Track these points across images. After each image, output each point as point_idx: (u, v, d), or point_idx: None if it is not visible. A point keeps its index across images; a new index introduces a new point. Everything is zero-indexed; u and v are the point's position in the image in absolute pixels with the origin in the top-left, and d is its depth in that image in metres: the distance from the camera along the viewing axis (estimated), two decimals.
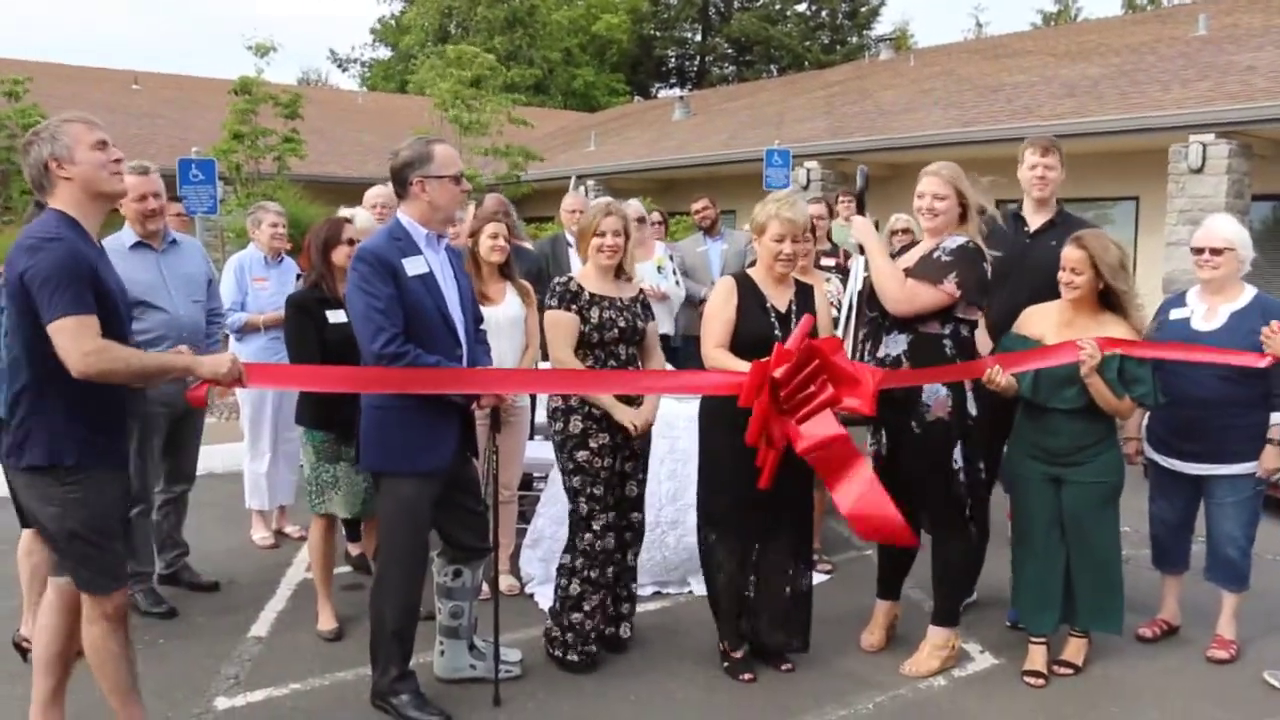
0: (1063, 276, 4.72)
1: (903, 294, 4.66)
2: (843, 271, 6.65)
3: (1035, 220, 5.32)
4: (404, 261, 4.17)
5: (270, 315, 6.40)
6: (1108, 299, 4.73)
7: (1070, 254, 4.69)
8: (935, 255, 4.70)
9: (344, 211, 6.27)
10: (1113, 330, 4.66)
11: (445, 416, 4.28)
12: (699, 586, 5.62)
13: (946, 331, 4.71)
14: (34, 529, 3.90)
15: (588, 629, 4.89)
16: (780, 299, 4.81)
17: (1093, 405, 4.65)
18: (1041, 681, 4.82)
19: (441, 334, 4.25)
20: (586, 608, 4.88)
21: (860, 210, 5.07)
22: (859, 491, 4.38)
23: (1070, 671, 4.91)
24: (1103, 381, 4.57)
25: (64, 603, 3.77)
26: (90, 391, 3.48)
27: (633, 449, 4.96)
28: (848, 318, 5.09)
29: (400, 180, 4.28)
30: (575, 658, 4.88)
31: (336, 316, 5.03)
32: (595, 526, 4.85)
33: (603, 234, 4.85)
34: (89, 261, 3.47)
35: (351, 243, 5.10)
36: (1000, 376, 4.59)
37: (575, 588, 4.88)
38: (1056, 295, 4.93)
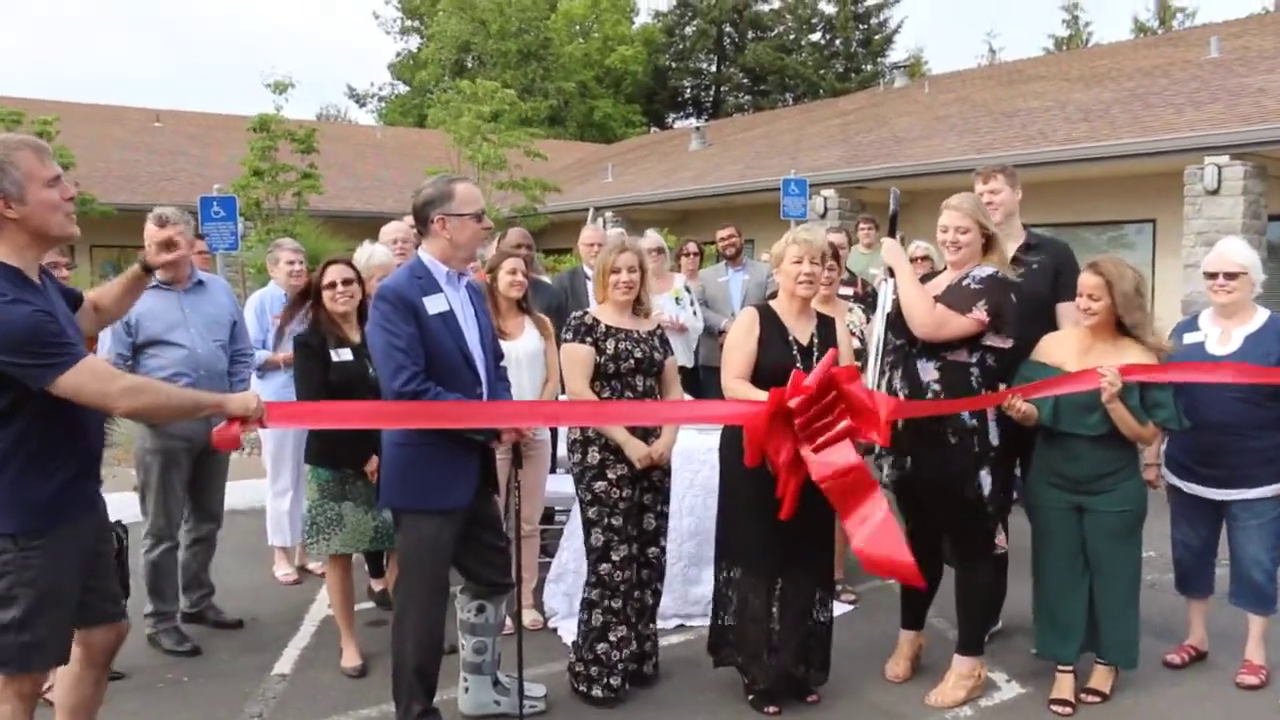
0: (1080, 303, 4.72)
1: (931, 319, 4.66)
2: (862, 300, 6.65)
3: (1008, 246, 5.34)
4: (425, 300, 4.19)
5: (291, 354, 6.41)
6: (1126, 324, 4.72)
7: (1087, 280, 4.69)
8: (965, 283, 4.71)
9: (364, 248, 6.31)
10: (1132, 355, 4.64)
11: (465, 454, 4.29)
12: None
13: (974, 360, 4.71)
14: None
15: (614, 660, 4.87)
16: (802, 331, 4.81)
17: (1115, 432, 4.63)
18: (1069, 710, 4.78)
19: (462, 372, 4.26)
20: (612, 639, 4.87)
21: (892, 233, 5.06)
22: (872, 528, 4.34)
23: (1098, 700, 4.87)
24: (1125, 408, 4.56)
25: (87, 653, 3.65)
26: (54, 450, 3.28)
27: (652, 481, 4.97)
28: (880, 343, 5.07)
29: (421, 218, 4.32)
30: (600, 692, 4.86)
31: (341, 355, 5.08)
32: (615, 557, 4.85)
33: (618, 271, 4.89)
34: (51, 312, 3.19)
35: (333, 286, 5.15)
36: (1020, 402, 4.58)
37: (599, 619, 4.87)
38: (1043, 319, 5.00)
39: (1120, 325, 4.71)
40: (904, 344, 4.84)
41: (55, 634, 3.37)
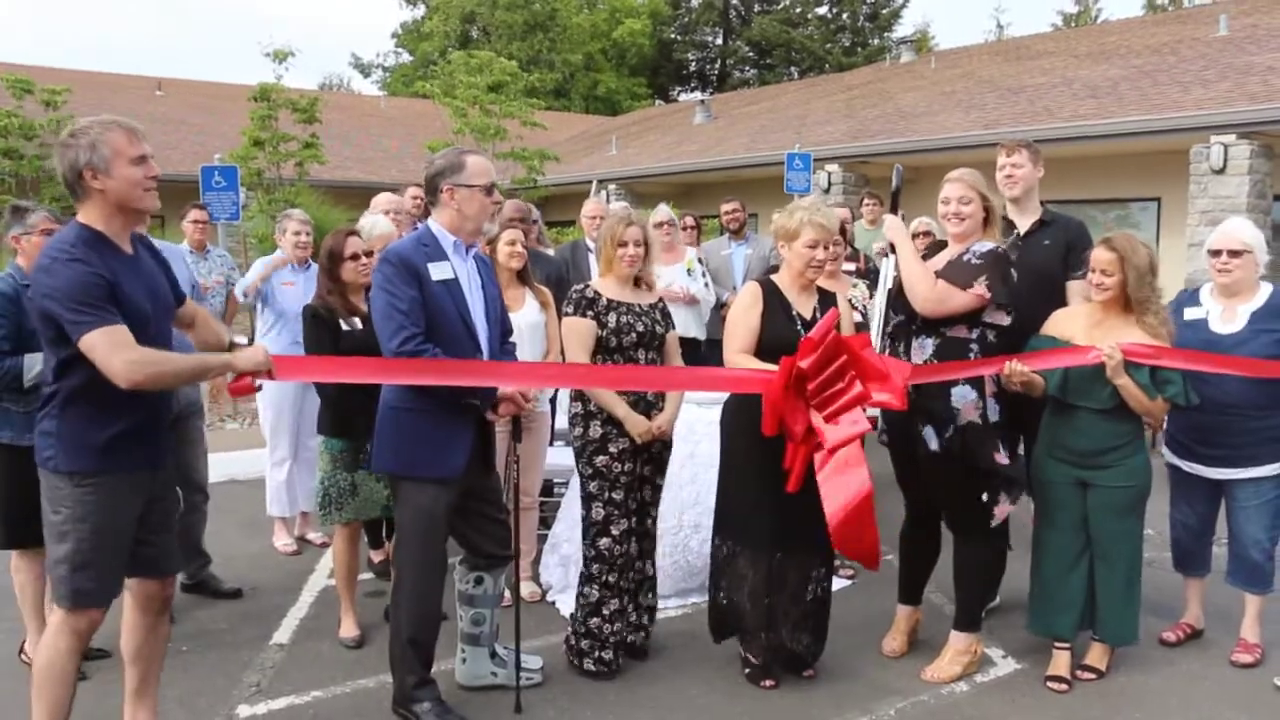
0: (1093, 278, 4.71)
1: (933, 295, 4.65)
2: (864, 275, 6.63)
3: (1023, 222, 5.33)
4: (429, 266, 4.20)
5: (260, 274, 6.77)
6: None
7: (1101, 255, 4.67)
8: (965, 259, 4.70)
9: (365, 219, 6.29)
10: (1141, 332, 4.63)
11: (462, 422, 4.28)
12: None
13: (974, 336, 4.70)
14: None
15: (606, 634, 4.89)
16: (805, 306, 4.80)
17: (1123, 405, 4.62)
18: (1065, 687, 4.80)
19: (463, 340, 4.26)
20: (605, 613, 4.88)
21: (894, 210, 5.05)
22: (847, 500, 4.28)
23: (1094, 676, 4.89)
24: (1134, 383, 4.55)
25: (136, 600, 3.83)
26: (113, 400, 3.45)
27: (652, 453, 4.96)
28: (881, 318, 5.06)
29: (432, 188, 4.34)
30: (592, 666, 4.89)
31: (351, 325, 5.08)
32: (614, 531, 4.85)
33: (624, 244, 4.86)
34: (104, 277, 3.40)
35: (355, 257, 5.15)
36: (1019, 365, 4.55)
37: (594, 593, 4.88)
38: (1053, 295, 5.00)
39: (1130, 301, 4.69)
40: (905, 320, 4.83)
41: (105, 575, 3.59)
